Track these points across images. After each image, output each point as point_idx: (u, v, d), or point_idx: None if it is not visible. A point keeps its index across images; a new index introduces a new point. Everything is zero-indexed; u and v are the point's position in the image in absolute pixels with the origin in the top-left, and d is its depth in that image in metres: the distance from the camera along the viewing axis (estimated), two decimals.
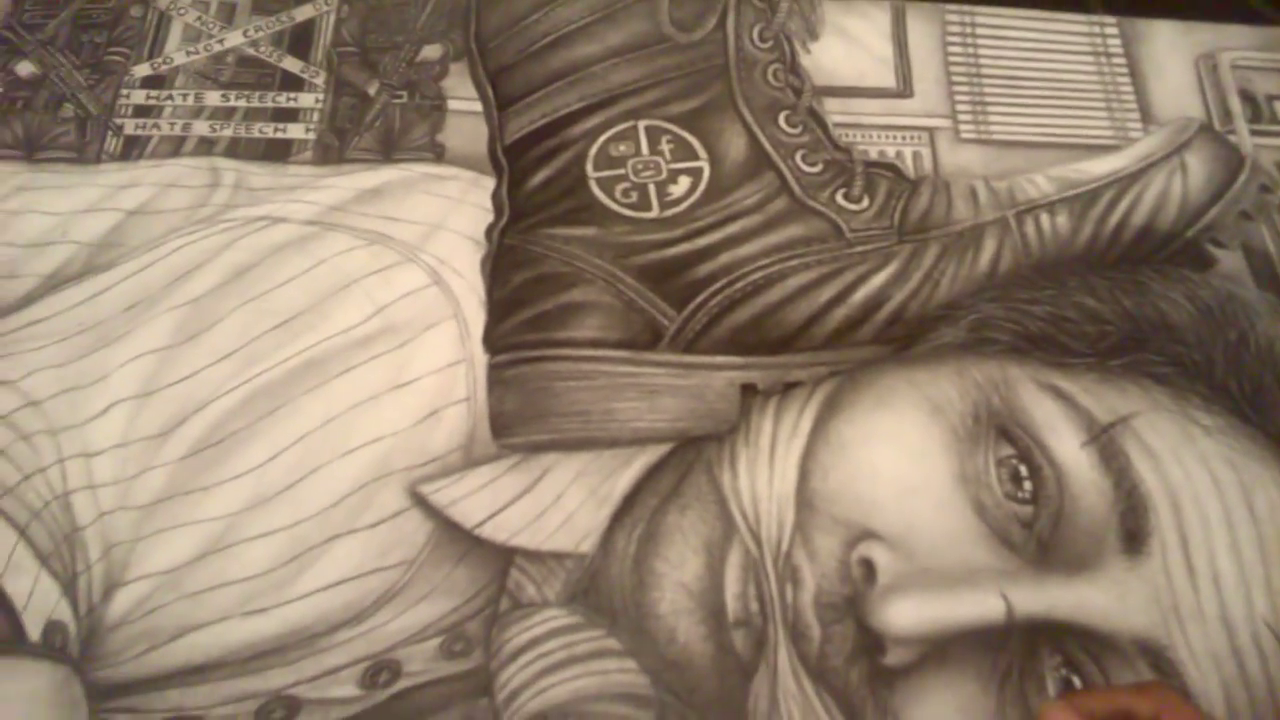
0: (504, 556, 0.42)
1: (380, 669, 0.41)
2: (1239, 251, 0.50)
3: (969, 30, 0.55)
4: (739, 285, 0.46)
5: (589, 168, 0.49)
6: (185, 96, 0.53)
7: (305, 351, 0.44)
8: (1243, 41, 0.56)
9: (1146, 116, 0.53)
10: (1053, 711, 0.33)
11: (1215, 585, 0.37)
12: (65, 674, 0.38)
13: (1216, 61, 0.55)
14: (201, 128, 0.52)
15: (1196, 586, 0.37)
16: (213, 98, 0.53)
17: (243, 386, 0.44)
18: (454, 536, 0.42)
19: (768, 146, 0.50)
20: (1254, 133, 0.53)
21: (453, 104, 0.53)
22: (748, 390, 0.44)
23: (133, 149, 0.51)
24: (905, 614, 0.37)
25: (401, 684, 0.41)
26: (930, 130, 0.53)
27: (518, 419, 0.44)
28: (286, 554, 0.41)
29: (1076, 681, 0.38)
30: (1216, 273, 0.48)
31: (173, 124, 0.52)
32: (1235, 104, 0.54)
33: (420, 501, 0.42)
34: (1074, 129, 0.53)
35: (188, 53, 0.54)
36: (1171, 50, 0.56)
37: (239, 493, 0.42)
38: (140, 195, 0.49)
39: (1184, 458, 0.39)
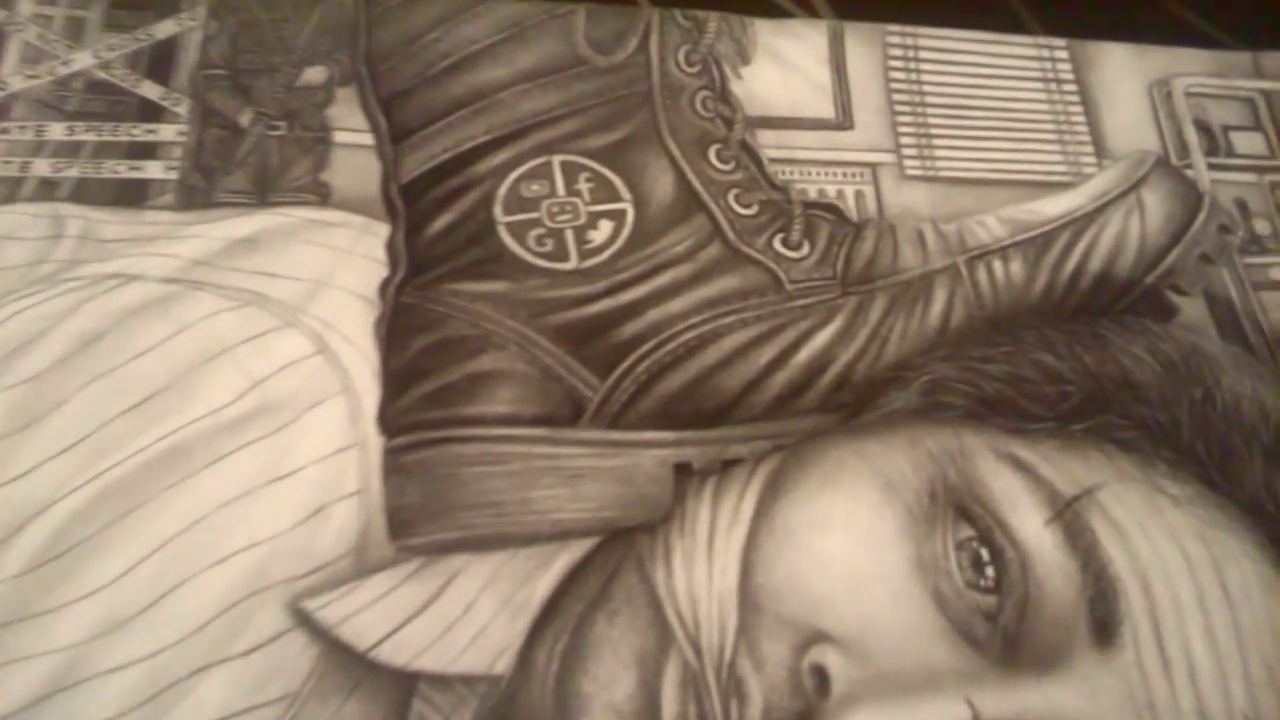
0: (405, 684, 0.37)
1: None
2: (1201, 299, 0.47)
3: (911, 55, 0.51)
4: (669, 348, 0.42)
5: (498, 211, 0.44)
6: (23, 129, 0.45)
7: (166, 438, 0.39)
8: (1197, 66, 0.53)
9: (1100, 149, 0.50)
10: None
11: (1191, 677, 0.35)
12: None
13: (1170, 88, 0.52)
14: (42, 167, 0.44)
15: (1171, 679, 0.35)
16: (56, 130, 0.45)
17: (91, 483, 0.38)
18: (345, 662, 0.37)
19: (697, 185, 0.45)
20: (1211, 167, 0.50)
21: (339, 136, 0.46)
22: (681, 471, 0.40)
23: None
24: None
25: None
26: (873, 166, 0.49)
27: (420, 514, 0.39)
28: (146, 691, 0.35)
29: None
30: (1179, 323, 0.46)
31: (8, 162, 0.44)
32: (1191, 135, 0.51)
33: (304, 620, 0.37)
34: (1025, 164, 0.50)
35: (26, 76, 0.47)
36: (1124, 76, 0.53)
37: (88, 616, 0.36)
38: None
39: (1153, 533, 0.36)
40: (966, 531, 0.37)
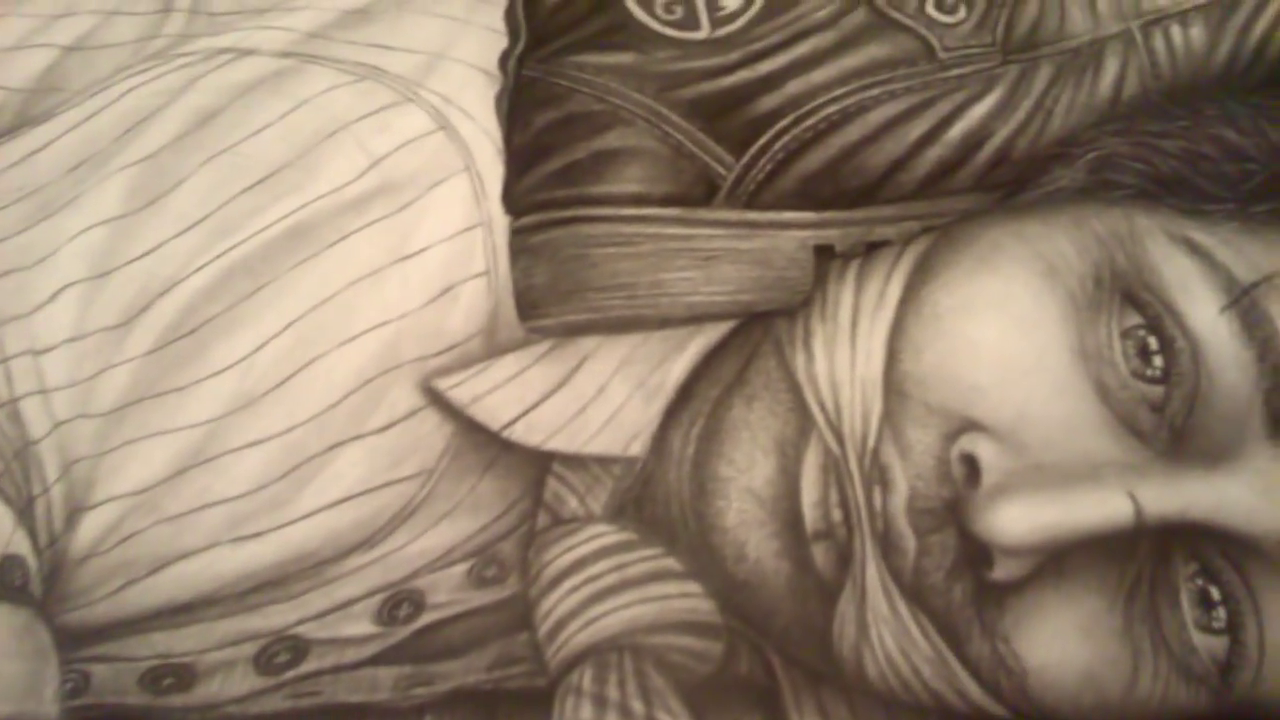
0: (539, 463, 0.39)
1: (400, 601, 0.38)
2: None
3: None
4: (810, 123, 0.40)
5: None
6: None
7: (289, 217, 0.39)
8: None
9: None
10: None
11: None
12: (27, 618, 0.34)
13: None
14: None
15: None
16: None
17: (216, 262, 0.38)
18: (478, 441, 0.38)
19: None
20: None
21: None
22: (823, 253, 0.39)
23: None
24: (1017, 520, 0.34)
25: (426, 618, 0.38)
26: None
27: (548, 295, 0.39)
28: (281, 466, 0.37)
29: (1214, 592, 0.35)
30: None
31: None
32: None
33: (436, 399, 0.38)
34: None
35: None
36: None
37: (220, 393, 0.37)
38: (79, 26, 0.42)
39: None
40: (1134, 319, 0.36)
